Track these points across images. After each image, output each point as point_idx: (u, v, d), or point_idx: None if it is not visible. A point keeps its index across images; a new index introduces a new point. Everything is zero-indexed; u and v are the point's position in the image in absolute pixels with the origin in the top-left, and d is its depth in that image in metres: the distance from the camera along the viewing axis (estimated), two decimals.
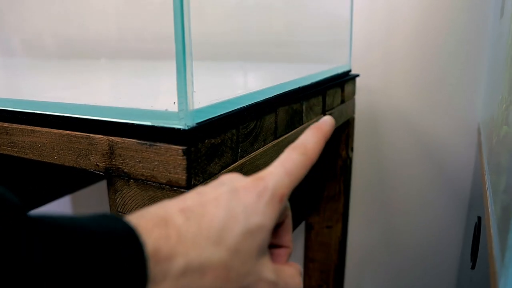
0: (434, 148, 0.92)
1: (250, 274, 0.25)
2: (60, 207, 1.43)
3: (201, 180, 0.40)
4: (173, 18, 0.34)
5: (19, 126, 0.48)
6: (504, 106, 0.45)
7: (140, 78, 0.75)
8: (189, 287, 0.23)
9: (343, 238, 0.97)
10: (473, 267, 0.59)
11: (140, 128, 0.40)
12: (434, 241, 0.97)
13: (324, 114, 0.71)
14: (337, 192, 0.93)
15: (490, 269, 0.39)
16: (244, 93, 0.48)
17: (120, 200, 0.43)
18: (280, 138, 0.55)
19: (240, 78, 0.73)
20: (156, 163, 0.40)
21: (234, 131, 0.45)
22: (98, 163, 0.43)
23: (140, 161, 0.40)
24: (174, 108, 0.39)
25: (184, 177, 0.38)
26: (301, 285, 0.29)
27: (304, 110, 0.62)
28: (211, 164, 0.42)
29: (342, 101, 0.80)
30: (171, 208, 0.25)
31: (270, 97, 0.52)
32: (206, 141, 0.40)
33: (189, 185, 0.39)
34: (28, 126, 0.47)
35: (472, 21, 0.83)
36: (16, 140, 0.49)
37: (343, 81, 0.78)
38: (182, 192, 0.39)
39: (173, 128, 0.38)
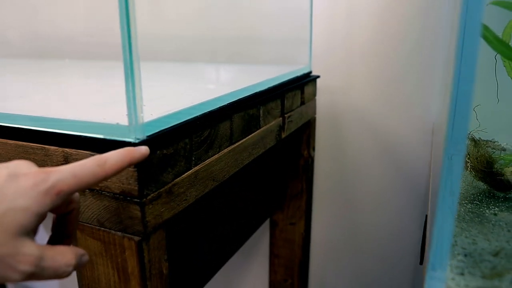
0: (393, 147, 0.96)
1: (4, 245, 0.28)
2: None
3: (154, 190, 0.42)
4: (121, 43, 0.35)
5: None
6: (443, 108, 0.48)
7: (98, 81, 0.76)
8: None
9: (306, 234, 1.00)
10: (421, 263, 0.63)
11: (93, 141, 0.41)
12: (393, 237, 1.01)
13: (283, 117, 0.73)
14: (300, 190, 0.96)
15: (424, 263, 0.42)
16: (197, 103, 0.49)
17: None
18: (236, 144, 0.57)
19: (196, 84, 0.74)
20: None
21: (187, 140, 0.46)
22: None
23: None
24: (125, 120, 0.40)
25: (136, 187, 0.40)
26: (73, 261, 0.32)
27: (261, 115, 0.64)
28: (164, 174, 0.43)
29: (302, 103, 0.82)
30: None
31: (224, 105, 0.53)
32: (158, 152, 0.42)
33: (142, 195, 0.40)
34: None
35: (427, 25, 0.87)
36: None
37: (302, 83, 0.81)
38: (136, 202, 0.41)
39: (124, 141, 0.39)
